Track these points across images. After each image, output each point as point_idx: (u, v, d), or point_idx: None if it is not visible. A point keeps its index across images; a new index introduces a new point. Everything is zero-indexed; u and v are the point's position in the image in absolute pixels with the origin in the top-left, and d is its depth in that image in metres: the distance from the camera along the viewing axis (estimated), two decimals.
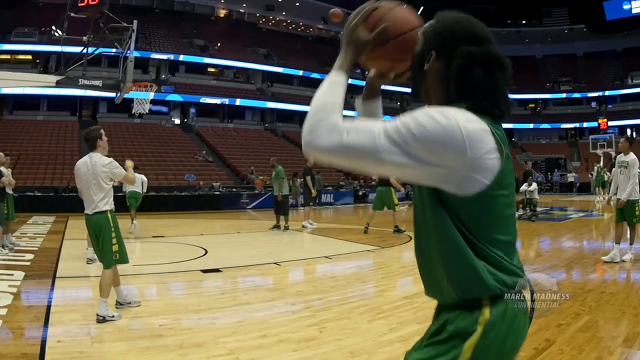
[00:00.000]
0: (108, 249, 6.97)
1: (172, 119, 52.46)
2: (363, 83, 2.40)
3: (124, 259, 7.17)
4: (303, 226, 19.08)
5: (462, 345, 1.82)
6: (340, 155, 1.79)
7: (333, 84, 1.95)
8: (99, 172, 6.98)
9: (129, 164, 8.15)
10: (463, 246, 1.83)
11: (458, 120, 1.74)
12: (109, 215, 7.07)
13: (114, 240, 7.01)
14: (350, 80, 1.97)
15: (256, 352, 5.50)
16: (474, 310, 1.85)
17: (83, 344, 5.76)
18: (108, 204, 7.12)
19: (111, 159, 7.26)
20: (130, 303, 7.44)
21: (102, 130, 7.39)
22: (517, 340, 1.92)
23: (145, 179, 17.41)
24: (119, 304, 7.27)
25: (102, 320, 6.57)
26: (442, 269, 1.91)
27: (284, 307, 7.61)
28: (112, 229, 7.03)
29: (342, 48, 2.06)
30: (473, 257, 1.83)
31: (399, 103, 62.58)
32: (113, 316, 6.71)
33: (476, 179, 1.79)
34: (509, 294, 1.89)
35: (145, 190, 17.37)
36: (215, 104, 53.33)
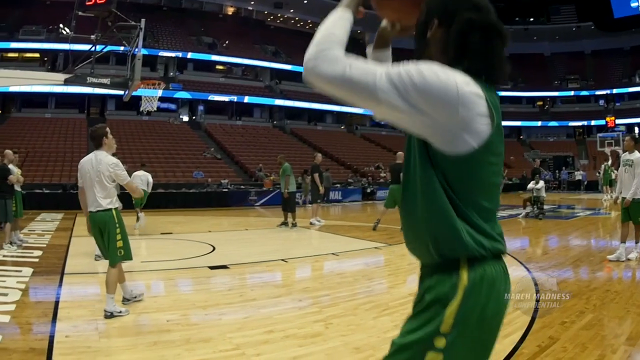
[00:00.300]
0: (113, 246, 7.01)
1: (181, 117, 52.57)
2: None
3: (128, 256, 7.20)
4: (311, 223, 19.10)
5: (444, 312, 1.88)
6: (339, 86, 1.86)
7: (340, 19, 2.04)
8: (103, 169, 6.98)
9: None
10: (446, 205, 1.90)
11: (457, 80, 1.84)
12: (114, 212, 7.09)
13: (119, 237, 7.05)
14: None
15: (262, 347, 5.54)
16: (452, 274, 1.92)
17: (91, 339, 5.82)
18: (112, 203, 7.12)
19: (118, 161, 7.27)
20: (136, 297, 7.51)
21: (107, 128, 7.40)
22: (498, 306, 1.96)
23: (150, 179, 17.44)
24: (125, 300, 7.32)
25: (109, 315, 6.62)
26: (424, 226, 1.98)
27: (290, 303, 7.66)
28: (117, 226, 7.05)
29: None
30: (454, 216, 1.90)
31: None
32: (120, 312, 6.77)
33: (464, 139, 1.87)
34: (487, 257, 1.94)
35: (150, 189, 17.42)
36: (224, 101, 53.30)
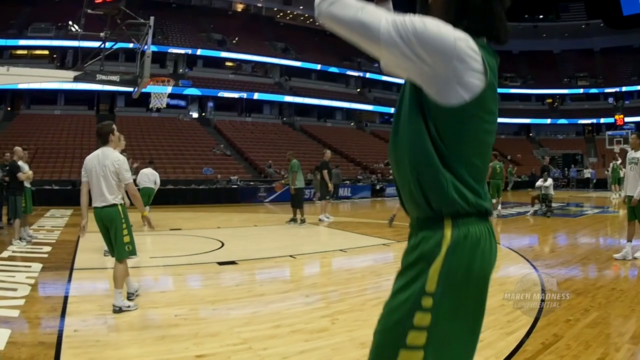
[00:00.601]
0: (120, 242, 7.07)
1: (190, 113, 52.66)
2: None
3: (134, 251, 7.27)
4: (320, 220, 19.13)
5: (428, 270, 1.93)
6: (347, 27, 1.96)
7: None
8: (109, 164, 7.01)
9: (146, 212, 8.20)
10: (433, 156, 1.95)
11: (455, 35, 1.91)
12: (119, 208, 7.14)
13: (125, 232, 7.10)
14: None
15: (269, 342, 5.59)
16: (437, 231, 1.97)
17: (99, 333, 5.89)
18: (118, 198, 7.18)
19: (124, 159, 7.33)
20: (137, 290, 7.61)
21: (114, 126, 7.43)
22: (484, 265, 1.99)
23: (158, 180, 17.45)
24: (130, 295, 7.38)
25: (118, 310, 6.69)
26: (409, 174, 2.03)
27: (298, 298, 7.70)
28: (123, 221, 7.11)
29: None
30: (440, 166, 1.95)
31: None
32: (129, 306, 6.83)
33: (457, 90, 1.92)
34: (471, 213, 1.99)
35: (157, 188, 17.44)
36: (233, 97, 53.35)
